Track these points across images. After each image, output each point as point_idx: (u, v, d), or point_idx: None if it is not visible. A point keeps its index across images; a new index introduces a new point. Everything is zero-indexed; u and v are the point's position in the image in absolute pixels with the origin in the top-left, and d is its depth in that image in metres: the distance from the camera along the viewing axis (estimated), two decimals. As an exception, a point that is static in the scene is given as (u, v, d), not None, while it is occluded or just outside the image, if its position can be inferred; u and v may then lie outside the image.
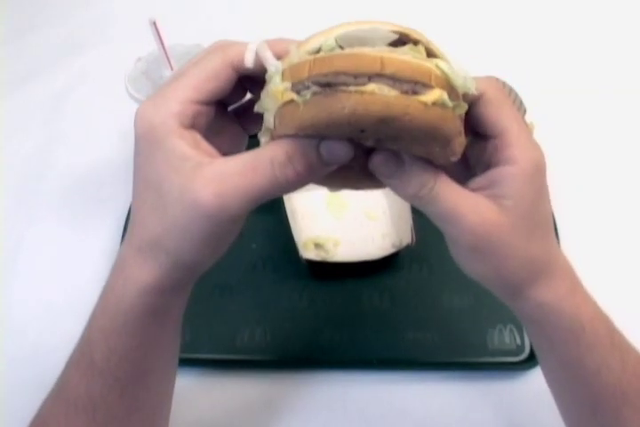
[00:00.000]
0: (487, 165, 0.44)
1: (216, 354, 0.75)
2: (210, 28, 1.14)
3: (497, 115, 0.42)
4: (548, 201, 0.45)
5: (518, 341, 0.74)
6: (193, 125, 0.41)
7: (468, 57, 1.04)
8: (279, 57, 0.39)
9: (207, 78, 0.40)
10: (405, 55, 0.36)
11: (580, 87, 1.05)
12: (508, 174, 0.42)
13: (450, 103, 0.37)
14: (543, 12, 1.20)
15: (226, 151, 0.44)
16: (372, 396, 0.72)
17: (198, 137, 0.41)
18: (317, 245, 0.80)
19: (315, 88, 0.36)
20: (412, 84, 0.36)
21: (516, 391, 0.72)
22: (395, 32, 0.38)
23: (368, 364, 0.74)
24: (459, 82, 0.37)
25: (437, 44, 0.39)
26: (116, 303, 0.44)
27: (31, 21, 1.26)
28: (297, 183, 0.40)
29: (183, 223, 0.39)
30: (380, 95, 0.35)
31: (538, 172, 0.42)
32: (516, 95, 0.83)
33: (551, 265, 0.46)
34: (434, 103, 0.36)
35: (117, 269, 0.45)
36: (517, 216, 0.42)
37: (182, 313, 0.50)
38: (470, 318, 0.76)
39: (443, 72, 0.37)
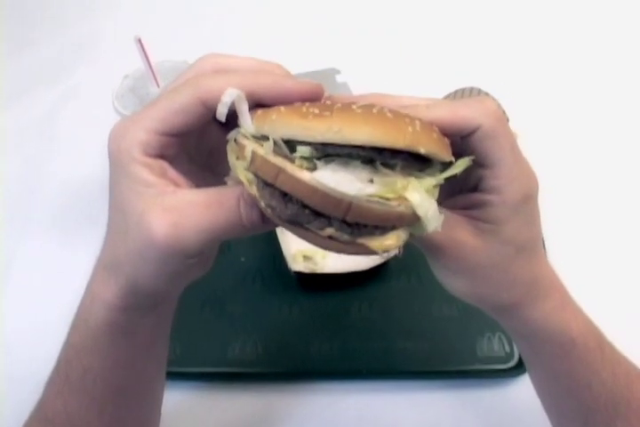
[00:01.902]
0: (473, 187, 0.43)
1: (207, 367, 0.75)
2: (197, 44, 1.14)
3: (491, 148, 0.40)
4: (538, 224, 0.44)
5: (507, 348, 0.75)
6: (161, 155, 0.39)
7: (454, 65, 1.08)
8: (255, 100, 0.37)
9: (175, 112, 0.38)
10: (374, 204, 0.34)
11: (565, 95, 1.06)
12: (490, 202, 0.41)
13: (407, 237, 0.37)
14: (528, 20, 1.22)
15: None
16: (363, 406, 0.72)
17: (165, 166, 0.39)
18: (306, 258, 0.81)
19: (276, 207, 0.35)
20: (372, 228, 0.35)
21: (507, 398, 0.72)
22: (372, 148, 0.34)
23: (358, 374, 0.74)
24: (429, 227, 0.36)
25: (433, 140, 0.36)
26: (85, 319, 0.44)
27: (21, 41, 1.27)
28: (261, 228, 0.38)
29: (139, 250, 0.38)
30: (336, 242, 0.35)
31: (525, 202, 0.41)
32: (499, 105, 0.84)
33: (537, 285, 0.45)
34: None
35: (88, 284, 0.44)
36: (497, 241, 0.41)
37: (161, 334, 0.50)
38: (459, 327, 0.77)
39: (415, 212, 0.35)
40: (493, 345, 0.75)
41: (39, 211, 0.95)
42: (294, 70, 0.43)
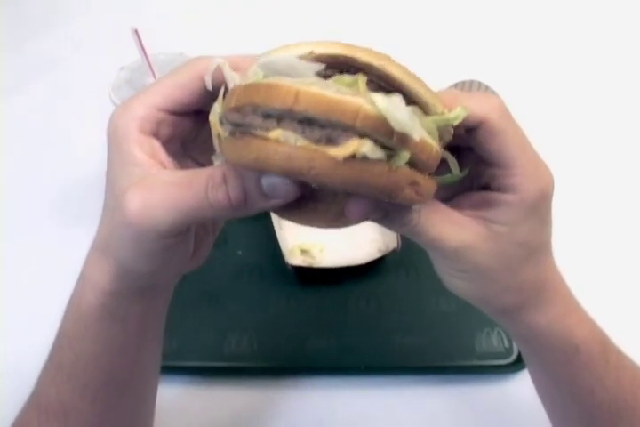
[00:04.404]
0: (486, 184, 0.41)
1: (203, 362, 0.75)
2: (194, 36, 1.14)
3: (500, 146, 0.38)
4: (550, 226, 0.42)
5: (506, 343, 0.74)
6: (156, 134, 0.40)
7: (454, 58, 1.07)
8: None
9: (174, 87, 0.39)
10: (328, 89, 0.30)
11: (566, 88, 1.06)
12: (506, 202, 0.39)
13: (377, 154, 0.31)
14: (527, 12, 1.22)
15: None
16: (361, 401, 0.72)
17: (157, 146, 0.40)
18: (303, 251, 0.80)
19: (229, 126, 0.33)
20: (329, 129, 0.30)
21: (505, 394, 0.72)
22: (329, 56, 0.32)
23: (355, 369, 0.73)
24: (398, 124, 0.30)
25: (403, 68, 0.33)
26: (77, 304, 0.45)
27: (17, 33, 1.27)
28: (230, 209, 0.37)
29: (119, 228, 0.39)
30: (284, 145, 0.30)
31: (542, 201, 0.40)
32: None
33: (543, 289, 0.44)
34: (352, 157, 0.30)
35: (82, 268, 0.45)
36: (510, 243, 0.40)
37: (153, 323, 0.49)
38: (458, 322, 0.76)
39: (377, 110, 0.30)
40: (492, 341, 0.75)
41: (35, 202, 0.95)
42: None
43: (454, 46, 1.13)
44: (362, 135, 0.30)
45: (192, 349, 0.75)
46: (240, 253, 0.84)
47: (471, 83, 0.85)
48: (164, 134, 0.41)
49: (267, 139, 0.30)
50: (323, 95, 0.29)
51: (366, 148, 0.30)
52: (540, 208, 0.40)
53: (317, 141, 0.30)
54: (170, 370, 0.70)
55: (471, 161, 0.40)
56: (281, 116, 0.30)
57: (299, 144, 0.30)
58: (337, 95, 0.29)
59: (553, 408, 0.53)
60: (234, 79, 0.35)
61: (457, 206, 0.41)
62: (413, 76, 0.33)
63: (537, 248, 0.42)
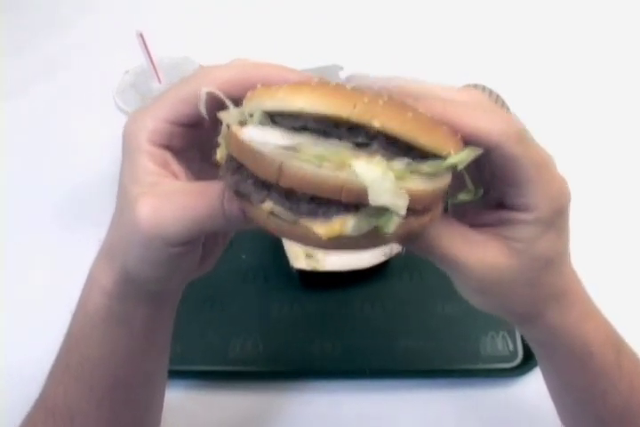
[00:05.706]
0: (499, 199, 0.40)
1: (208, 366, 0.75)
2: (198, 40, 1.14)
3: (513, 169, 0.37)
4: (567, 235, 0.42)
5: (511, 347, 0.74)
6: (168, 145, 0.40)
7: (459, 62, 1.07)
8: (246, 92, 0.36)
9: (182, 101, 0.39)
10: (310, 163, 0.30)
11: (570, 92, 1.06)
12: (522, 220, 0.39)
13: (363, 229, 0.31)
14: (532, 17, 1.22)
15: None
16: (365, 405, 0.72)
17: (169, 157, 0.40)
18: (308, 255, 0.80)
19: (226, 176, 0.34)
20: (315, 204, 0.31)
21: (510, 397, 0.72)
22: (323, 117, 0.31)
23: (360, 373, 0.73)
24: (378, 199, 0.30)
25: (399, 114, 0.31)
26: (84, 304, 0.45)
27: (22, 37, 1.27)
28: (244, 222, 0.37)
29: (127, 234, 0.39)
30: (275, 219, 0.32)
31: (558, 216, 0.39)
32: (503, 102, 0.84)
33: (561, 297, 0.43)
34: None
35: (89, 271, 0.45)
36: (528, 258, 0.40)
37: (160, 328, 0.49)
38: (462, 326, 0.76)
39: (361, 184, 0.30)
40: (497, 344, 0.74)
41: (38, 205, 0.95)
42: (297, 66, 0.42)
43: (460, 50, 1.13)
44: (348, 206, 0.31)
45: (196, 353, 0.75)
46: (244, 256, 0.84)
47: (475, 86, 0.85)
48: (177, 145, 0.40)
49: (260, 209, 0.32)
50: (305, 173, 0.30)
51: (350, 226, 0.31)
52: (556, 223, 0.39)
53: (305, 215, 0.31)
54: (174, 374, 0.70)
55: (485, 173, 0.40)
56: (270, 184, 0.32)
57: (290, 218, 0.32)
58: (320, 172, 0.30)
59: (565, 412, 0.53)
60: (230, 110, 0.35)
61: (473, 225, 0.41)
62: (412, 120, 0.32)
63: (554, 259, 0.41)
